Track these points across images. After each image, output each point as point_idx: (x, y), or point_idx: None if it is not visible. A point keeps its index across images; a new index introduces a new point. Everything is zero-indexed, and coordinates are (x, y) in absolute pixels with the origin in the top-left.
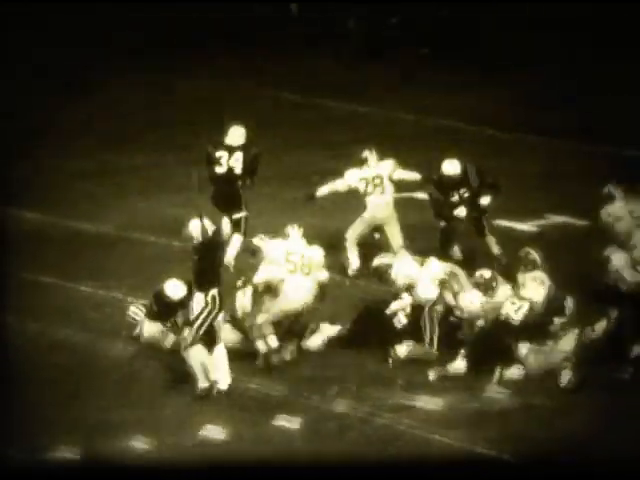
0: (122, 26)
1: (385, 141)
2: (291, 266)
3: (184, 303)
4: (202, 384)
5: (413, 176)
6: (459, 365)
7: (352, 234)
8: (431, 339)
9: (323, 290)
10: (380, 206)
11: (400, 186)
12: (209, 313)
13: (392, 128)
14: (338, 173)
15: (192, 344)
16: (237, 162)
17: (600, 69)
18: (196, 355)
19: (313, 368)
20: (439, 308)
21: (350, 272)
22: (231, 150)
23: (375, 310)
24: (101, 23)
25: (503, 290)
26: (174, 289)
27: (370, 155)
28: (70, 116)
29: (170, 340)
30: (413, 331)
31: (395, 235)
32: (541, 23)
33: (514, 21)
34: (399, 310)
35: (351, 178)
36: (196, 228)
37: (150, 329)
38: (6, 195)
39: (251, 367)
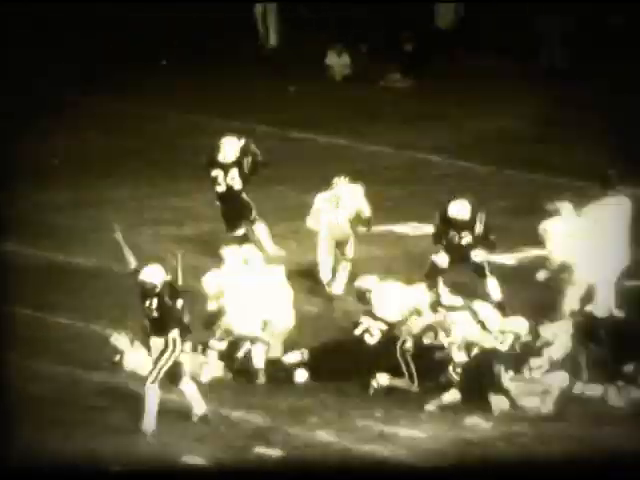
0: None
1: (362, 175)
2: (228, 297)
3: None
4: (148, 426)
5: (366, 211)
6: (454, 394)
7: (323, 254)
8: (410, 375)
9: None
10: (333, 222)
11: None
12: (171, 355)
13: (370, 161)
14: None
15: (153, 383)
16: (234, 180)
17: (578, 103)
18: (152, 396)
19: (293, 397)
20: (409, 345)
21: (324, 280)
22: (225, 168)
23: (354, 339)
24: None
25: (463, 328)
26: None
27: (339, 180)
28: (47, 148)
29: None
30: (392, 366)
31: (346, 252)
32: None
33: (492, 54)
34: (364, 333)
35: (319, 203)
36: (153, 274)
37: (133, 359)
38: None
39: (233, 396)
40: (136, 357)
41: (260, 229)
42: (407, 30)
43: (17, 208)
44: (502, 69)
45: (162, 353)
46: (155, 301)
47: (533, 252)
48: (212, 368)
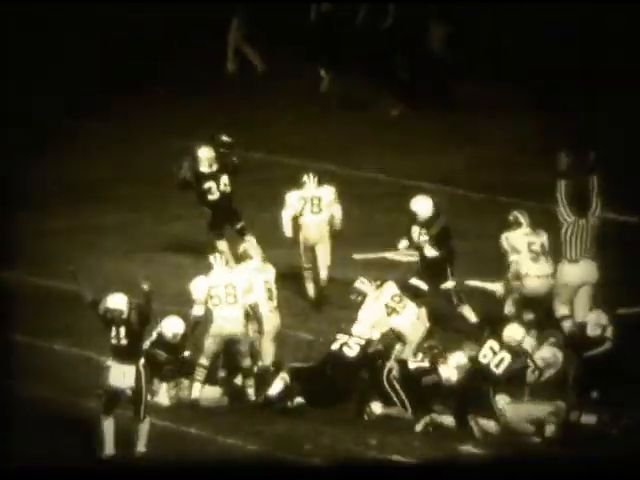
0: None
1: (354, 201)
2: (215, 300)
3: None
4: (109, 452)
5: (338, 214)
6: (448, 420)
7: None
8: (402, 403)
9: (255, 314)
10: (312, 226)
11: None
12: (146, 381)
13: (361, 188)
14: None
15: (144, 418)
16: (226, 186)
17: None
18: (146, 424)
19: (287, 424)
20: (395, 373)
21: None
22: (215, 177)
23: (346, 365)
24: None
25: (457, 358)
26: (174, 325)
27: (308, 179)
28: (40, 174)
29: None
30: (385, 393)
31: (324, 256)
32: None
33: (483, 80)
34: (342, 346)
35: (292, 200)
36: (117, 301)
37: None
38: None
39: (229, 423)
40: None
41: (250, 241)
42: (401, 57)
43: (12, 235)
44: (496, 97)
45: (139, 382)
46: (123, 328)
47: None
48: (205, 388)
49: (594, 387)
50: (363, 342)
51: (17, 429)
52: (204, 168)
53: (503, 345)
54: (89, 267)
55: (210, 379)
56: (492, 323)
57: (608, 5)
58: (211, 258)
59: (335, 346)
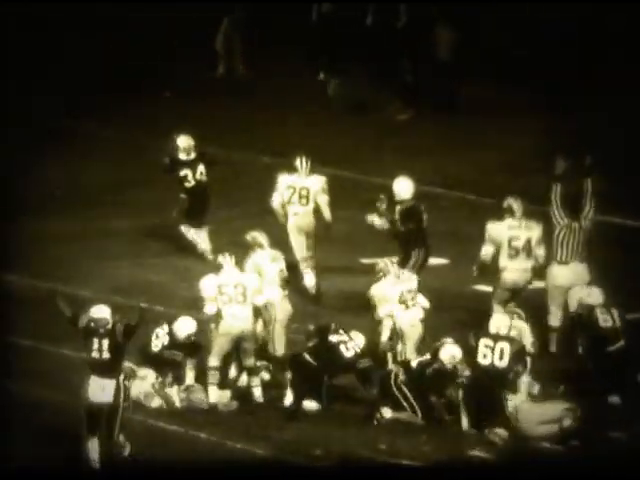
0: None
1: (366, 207)
2: (225, 298)
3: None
4: (95, 467)
5: (327, 213)
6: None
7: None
8: (411, 407)
9: (262, 314)
10: (300, 215)
11: None
12: (125, 400)
13: (371, 193)
14: None
15: (118, 437)
16: (202, 175)
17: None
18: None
19: (297, 429)
20: (402, 377)
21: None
22: (192, 165)
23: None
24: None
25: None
26: (188, 325)
27: (301, 164)
28: (49, 178)
29: (157, 401)
30: (394, 398)
31: (302, 244)
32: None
33: (483, 81)
34: (340, 343)
35: (281, 186)
36: (102, 311)
37: (138, 389)
38: None
39: (238, 427)
40: (140, 385)
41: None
42: (408, 61)
43: (20, 239)
44: (503, 101)
45: (116, 404)
46: (106, 340)
47: (537, 284)
48: (215, 390)
49: (612, 389)
50: (359, 351)
51: (19, 430)
52: (182, 155)
53: (495, 337)
54: (99, 271)
55: (220, 382)
56: (475, 327)
57: (608, 5)
58: (220, 258)
59: (333, 339)
